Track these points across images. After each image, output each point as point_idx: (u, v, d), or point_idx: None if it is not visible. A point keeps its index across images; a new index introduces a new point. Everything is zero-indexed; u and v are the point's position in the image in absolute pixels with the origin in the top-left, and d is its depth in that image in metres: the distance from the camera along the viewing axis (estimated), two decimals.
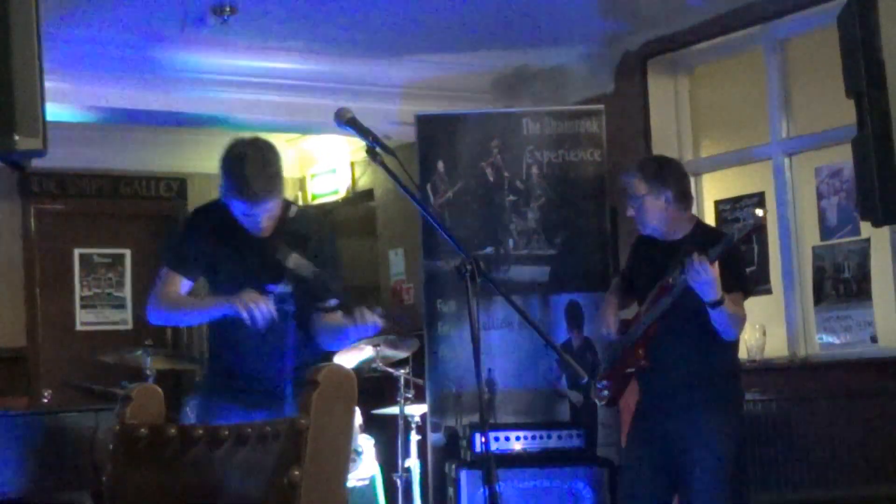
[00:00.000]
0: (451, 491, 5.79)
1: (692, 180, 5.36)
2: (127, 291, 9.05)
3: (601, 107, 6.44)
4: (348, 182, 9.12)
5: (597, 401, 4.85)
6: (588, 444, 5.81)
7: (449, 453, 6.02)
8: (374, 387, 6.63)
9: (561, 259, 6.24)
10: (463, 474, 5.69)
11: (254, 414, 3.69)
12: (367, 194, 8.93)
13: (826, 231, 6.13)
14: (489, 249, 6.22)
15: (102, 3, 5.81)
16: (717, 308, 4.31)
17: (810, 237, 6.21)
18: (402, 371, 6.41)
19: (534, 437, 5.77)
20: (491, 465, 3.33)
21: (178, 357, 7.62)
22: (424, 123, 6.39)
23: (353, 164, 9.10)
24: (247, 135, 4.09)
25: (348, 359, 6.13)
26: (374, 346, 6.24)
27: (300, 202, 9.01)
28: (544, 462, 5.71)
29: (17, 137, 3.07)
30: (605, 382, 4.73)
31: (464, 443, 5.84)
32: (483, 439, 5.36)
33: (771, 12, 6.17)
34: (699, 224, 4.74)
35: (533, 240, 6.26)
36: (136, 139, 8.63)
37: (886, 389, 5.51)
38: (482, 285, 3.38)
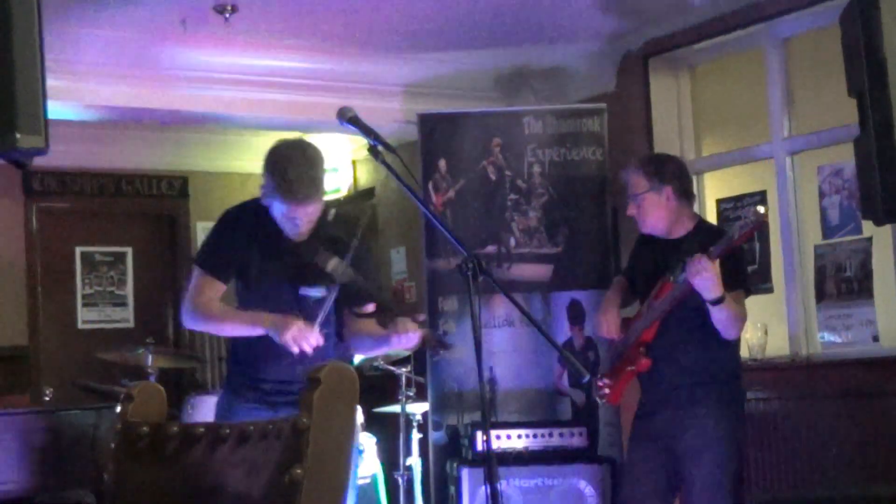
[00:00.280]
0: (452, 489, 5.79)
1: (693, 179, 5.35)
2: (128, 290, 9.06)
3: (603, 105, 6.44)
4: (350, 181, 9.12)
5: (598, 399, 4.85)
6: (590, 443, 5.81)
7: (450, 452, 6.02)
8: (375, 385, 6.63)
9: (562, 257, 6.24)
10: (464, 473, 5.69)
11: (281, 414, 3.65)
12: (369, 193, 8.93)
13: (828, 230, 6.12)
14: (491, 248, 6.23)
15: (104, 0, 5.81)
16: (718, 306, 4.29)
17: (812, 236, 6.20)
18: (404, 369, 6.41)
19: (535, 436, 5.77)
20: (492, 463, 3.33)
21: (179, 355, 7.62)
22: (426, 122, 6.39)
23: (354, 163, 9.10)
24: (291, 136, 4.03)
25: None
26: None
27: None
28: (546, 460, 5.71)
29: (18, 135, 3.08)
30: (606, 381, 4.72)
31: (465, 441, 5.84)
32: (485, 438, 5.34)
33: (773, 11, 6.16)
34: (701, 222, 4.71)
35: (534, 238, 6.26)
36: (137, 137, 8.61)
37: (888, 388, 5.51)
38: (484, 284, 3.38)
